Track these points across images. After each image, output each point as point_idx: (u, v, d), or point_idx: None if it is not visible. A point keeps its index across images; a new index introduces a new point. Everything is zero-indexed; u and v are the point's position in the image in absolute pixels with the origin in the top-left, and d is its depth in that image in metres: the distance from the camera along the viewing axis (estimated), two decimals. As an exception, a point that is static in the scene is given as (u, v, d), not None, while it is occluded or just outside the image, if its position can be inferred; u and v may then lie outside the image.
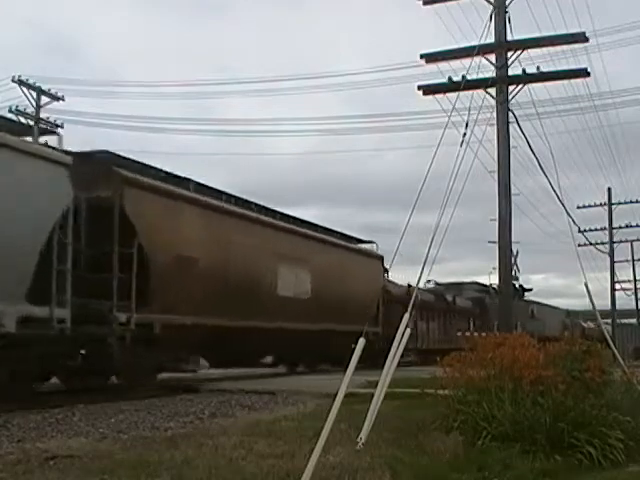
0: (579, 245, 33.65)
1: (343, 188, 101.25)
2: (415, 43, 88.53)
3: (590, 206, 40.76)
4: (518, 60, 14.96)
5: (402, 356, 7.28)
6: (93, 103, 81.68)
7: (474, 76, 13.67)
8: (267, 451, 6.31)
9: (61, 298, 10.89)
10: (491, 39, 14.70)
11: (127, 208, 12.57)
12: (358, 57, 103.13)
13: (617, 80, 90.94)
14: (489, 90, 14.77)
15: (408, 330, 7.03)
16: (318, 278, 19.70)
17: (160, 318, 13.34)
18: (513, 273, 22.07)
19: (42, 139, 13.01)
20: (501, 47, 14.91)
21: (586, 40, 14.98)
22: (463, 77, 13.28)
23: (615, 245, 41.12)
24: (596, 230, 40.40)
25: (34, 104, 29.26)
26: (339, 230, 22.78)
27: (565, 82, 16.48)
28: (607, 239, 40.79)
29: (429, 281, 29.38)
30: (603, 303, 40.75)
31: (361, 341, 5.96)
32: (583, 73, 15.22)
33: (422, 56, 15.46)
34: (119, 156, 13.69)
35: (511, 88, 14.98)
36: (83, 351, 12.19)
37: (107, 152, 13.59)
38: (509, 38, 14.93)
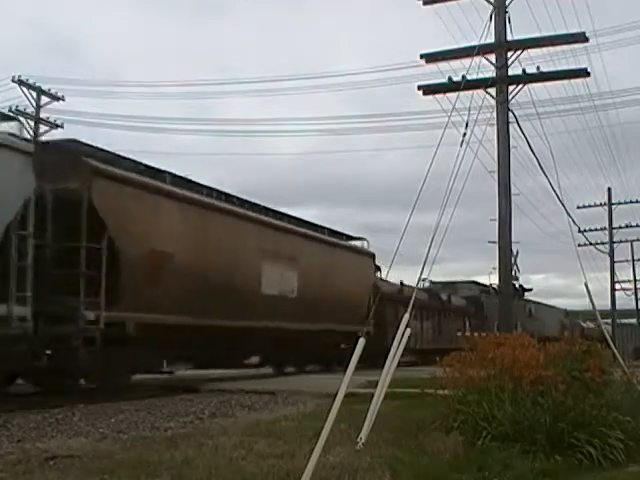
0: (579, 245, 33.66)
1: (343, 188, 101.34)
2: (415, 43, 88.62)
3: (590, 206, 40.79)
4: (518, 60, 14.98)
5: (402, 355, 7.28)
6: (93, 103, 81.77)
7: (474, 76, 13.69)
8: (267, 451, 6.31)
9: (21, 295, 10.31)
10: (491, 39, 14.70)
11: (96, 200, 11.89)
12: (358, 57, 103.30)
13: (617, 80, 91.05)
14: (489, 90, 14.77)
15: (408, 330, 7.03)
16: (305, 276, 18.96)
17: (133, 317, 12.67)
18: (513, 273, 22.05)
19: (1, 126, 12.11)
20: (501, 47, 14.90)
21: (586, 40, 14.98)
22: (463, 77, 13.28)
23: (615, 245, 41.14)
24: (596, 230, 40.45)
25: (34, 104, 29.28)
26: (328, 227, 22.14)
27: (565, 82, 16.50)
28: (607, 239, 40.82)
29: (424, 279, 29.06)
30: (603, 303, 40.81)
31: (361, 341, 5.95)
32: (583, 73, 15.22)
33: (422, 56, 15.46)
34: (89, 145, 13.07)
35: (511, 88, 14.98)
36: (49, 351, 11.60)
37: (75, 141, 13.00)
38: (509, 38, 14.92)
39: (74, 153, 12.41)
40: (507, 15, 14.94)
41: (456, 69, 15.12)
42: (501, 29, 14.87)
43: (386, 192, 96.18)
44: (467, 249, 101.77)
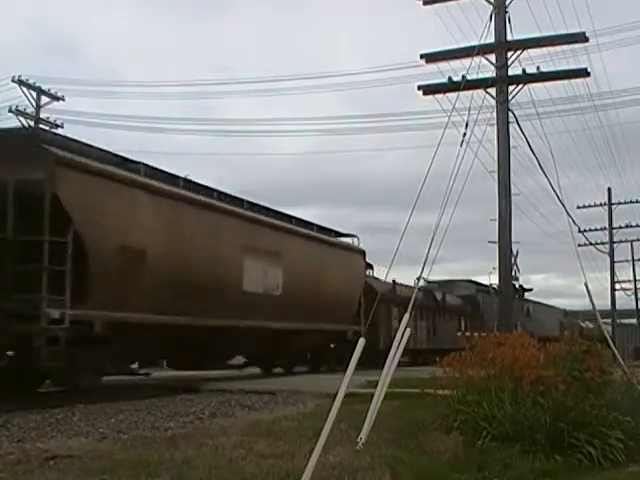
0: (579, 245, 33.72)
1: (343, 188, 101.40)
2: (415, 43, 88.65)
3: (590, 206, 40.84)
4: (518, 60, 15.00)
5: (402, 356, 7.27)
6: (93, 103, 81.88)
7: (474, 76, 13.69)
8: (267, 451, 6.31)
9: None
10: (491, 39, 14.72)
11: (61, 192, 11.18)
12: (358, 57, 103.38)
13: (617, 80, 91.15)
14: (489, 90, 14.79)
15: (408, 330, 7.03)
16: (291, 273, 18.03)
17: (102, 315, 11.95)
18: (513, 273, 22.02)
19: None
20: (501, 47, 14.91)
21: (586, 40, 14.99)
22: (463, 77, 13.28)
23: (615, 245, 41.18)
24: (596, 230, 40.49)
25: (34, 104, 29.30)
26: (317, 223, 21.24)
27: (565, 82, 16.51)
28: (607, 239, 40.86)
29: (419, 278, 28.68)
30: (603, 303, 40.86)
31: (361, 341, 5.95)
32: (583, 73, 15.23)
33: (422, 56, 15.46)
34: (54, 134, 12.38)
35: (511, 88, 14.99)
36: (11, 352, 11.06)
37: (39, 129, 12.37)
38: (509, 38, 14.94)
39: (37, 142, 11.77)
40: (507, 15, 14.97)
41: (456, 69, 15.17)
42: (501, 29, 14.89)
43: (386, 192, 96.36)
44: (467, 249, 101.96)
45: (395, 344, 6.87)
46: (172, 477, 5.32)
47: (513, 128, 15.13)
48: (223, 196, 16.54)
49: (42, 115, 29.38)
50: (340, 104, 69.93)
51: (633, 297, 45.28)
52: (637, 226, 41.59)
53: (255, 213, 17.51)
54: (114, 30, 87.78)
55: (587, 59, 37.12)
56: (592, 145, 65.26)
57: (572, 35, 14.87)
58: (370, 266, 24.27)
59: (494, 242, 15.65)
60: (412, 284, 28.05)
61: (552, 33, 15.33)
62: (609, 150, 67.80)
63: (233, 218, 16.24)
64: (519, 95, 15.06)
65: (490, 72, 14.92)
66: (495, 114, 14.78)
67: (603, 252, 40.75)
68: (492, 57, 14.92)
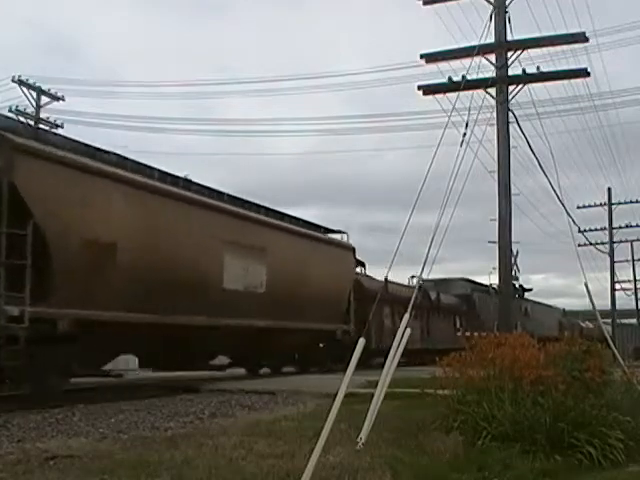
0: (579, 245, 33.74)
1: (343, 188, 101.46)
2: (415, 43, 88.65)
3: (590, 206, 40.86)
4: (518, 60, 14.99)
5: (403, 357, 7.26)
6: (93, 103, 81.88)
7: (474, 76, 13.69)
8: (267, 451, 6.31)
9: None
10: (491, 39, 14.72)
11: (19, 182, 10.53)
12: (358, 57, 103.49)
13: (617, 80, 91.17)
14: (489, 90, 14.78)
15: (408, 330, 7.03)
16: (276, 270, 17.20)
17: (66, 313, 11.27)
18: (513, 273, 21.99)
19: None
20: (501, 47, 14.91)
21: (586, 40, 14.99)
22: (463, 77, 13.28)
23: (615, 245, 41.18)
24: (596, 230, 40.51)
25: (34, 104, 29.30)
26: (305, 219, 20.69)
27: (565, 82, 16.51)
28: (607, 239, 40.87)
29: (413, 277, 28.38)
30: (603, 303, 40.89)
31: (361, 341, 5.95)
32: (583, 73, 15.22)
33: (422, 56, 15.46)
34: (13, 119, 11.91)
35: (511, 88, 14.98)
36: None
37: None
38: (509, 38, 14.94)
39: None
40: (507, 15, 14.97)
41: (456, 69, 15.17)
42: (501, 29, 14.89)
43: (386, 192, 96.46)
44: (467, 249, 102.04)
45: (395, 344, 6.87)
46: (172, 477, 5.32)
47: (513, 128, 15.15)
48: (201, 188, 15.91)
49: (42, 115, 29.41)
50: (340, 104, 70.14)
51: (633, 297, 45.34)
52: (637, 226, 41.65)
53: (238, 207, 16.80)
54: (114, 30, 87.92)
55: (587, 59, 37.22)
56: (592, 145, 65.52)
57: (572, 35, 14.87)
58: (361, 263, 23.61)
59: (494, 242, 15.65)
60: (406, 282, 28.04)
61: (552, 33, 15.34)
62: (609, 150, 68.03)
63: (212, 212, 15.45)
64: (519, 95, 15.08)
65: (490, 72, 14.94)
66: (495, 114, 14.78)
67: (603, 252, 40.82)
68: (492, 57, 14.92)
